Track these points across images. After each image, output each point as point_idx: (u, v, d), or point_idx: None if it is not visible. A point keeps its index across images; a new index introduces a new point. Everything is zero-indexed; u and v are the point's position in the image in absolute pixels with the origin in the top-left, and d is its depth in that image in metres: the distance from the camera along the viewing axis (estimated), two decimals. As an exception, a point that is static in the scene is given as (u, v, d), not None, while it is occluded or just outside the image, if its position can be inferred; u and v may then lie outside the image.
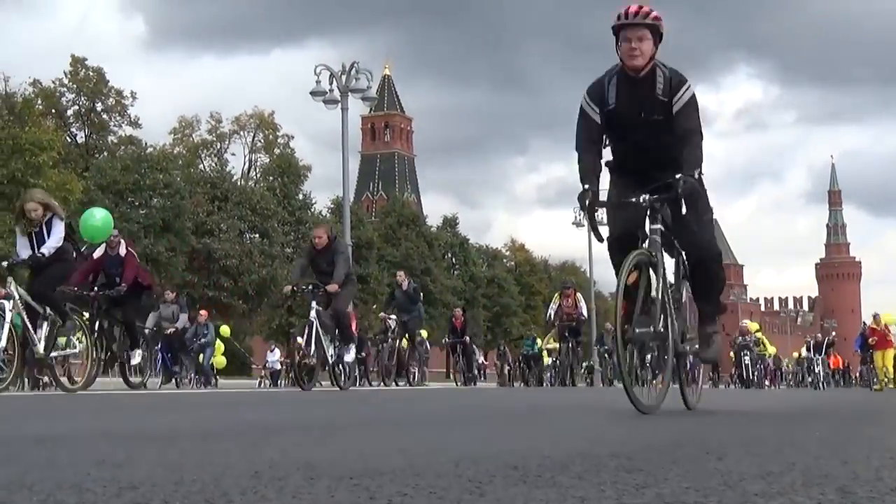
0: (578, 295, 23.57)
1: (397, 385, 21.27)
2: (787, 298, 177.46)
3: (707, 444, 3.97)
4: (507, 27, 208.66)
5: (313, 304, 13.43)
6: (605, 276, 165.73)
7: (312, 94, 29.53)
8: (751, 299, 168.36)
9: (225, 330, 31.80)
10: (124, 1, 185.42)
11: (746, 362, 32.55)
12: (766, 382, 37.08)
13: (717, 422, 6.10)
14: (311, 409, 7.94)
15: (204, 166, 66.73)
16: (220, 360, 28.32)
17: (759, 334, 35.79)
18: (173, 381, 20.09)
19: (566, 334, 23.33)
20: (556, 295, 24.07)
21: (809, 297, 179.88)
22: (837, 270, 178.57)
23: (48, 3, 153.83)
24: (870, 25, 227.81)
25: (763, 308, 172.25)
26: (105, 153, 56.88)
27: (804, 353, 41.73)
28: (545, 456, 3.11)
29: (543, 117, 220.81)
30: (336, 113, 29.64)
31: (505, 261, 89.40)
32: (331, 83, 29.31)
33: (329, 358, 13.70)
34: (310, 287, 13.61)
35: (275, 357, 39.86)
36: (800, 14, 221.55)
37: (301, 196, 65.52)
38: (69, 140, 55.70)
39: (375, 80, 33.90)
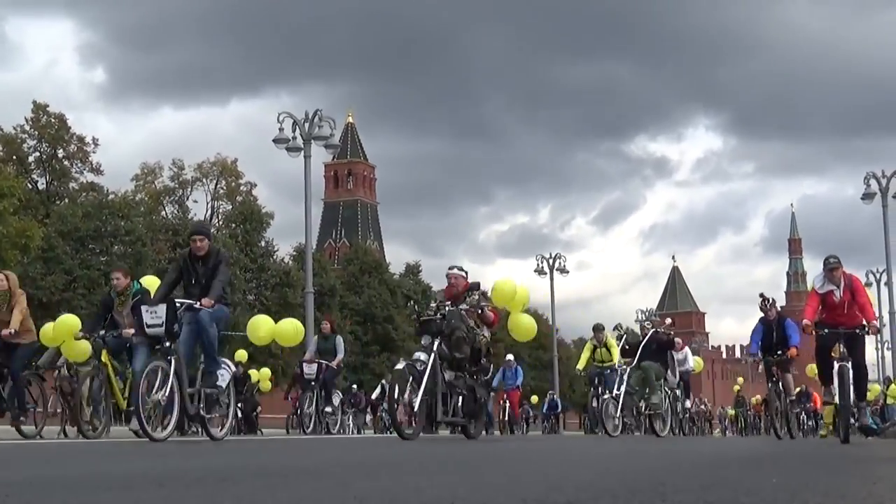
0: None
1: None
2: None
3: (663, 491, 3.99)
4: (467, 76, 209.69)
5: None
6: (568, 324, 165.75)
7: (275, 141, 29.53)
8: (712, 347, 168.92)
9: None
10: (85, 51, 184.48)
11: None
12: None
13: (675, 467, 6.12)
14: (271, 455, 7.89)
15: (166, 213, 66.34)
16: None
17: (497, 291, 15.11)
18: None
19: None
20: None
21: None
22: (798, 318, 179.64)
23: (12, 54, 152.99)
24: (825, 79, 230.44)
25: (724, 356, 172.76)
26: (66, 200, 56.49)
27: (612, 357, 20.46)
28: None
29: (506, 166, 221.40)
30: (298, 160, 29.64)
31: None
32: (293, 131, 29.34)
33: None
34: None
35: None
36: (754, 67, 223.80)
37: (263, 243, 65.25)
38: (30, 187, 55.25)
39: (338, 127, 33.97)
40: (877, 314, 13.54)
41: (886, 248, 37.80)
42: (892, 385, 33.91)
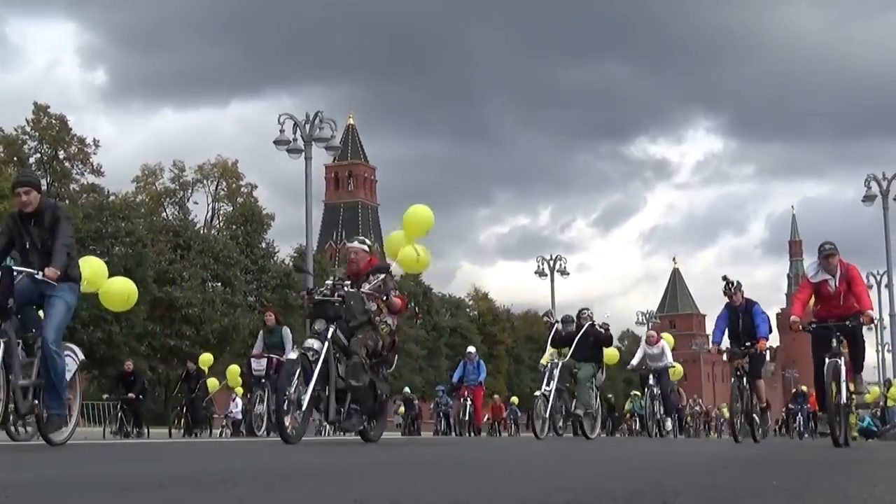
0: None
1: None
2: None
3: (664, 493, 3.98)
4: (467, 78, 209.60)
5: None
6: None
7: (276, 143, 29.57)
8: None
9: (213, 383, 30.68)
10: (85, 53, 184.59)
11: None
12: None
13: (675, 469, 6.11)
14: (270, 457, 7.88)
15: (167, 214, 66.40)
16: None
17: None
18: None
19: None
20: None
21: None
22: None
23: (13, 55, 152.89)
24: (825, 81, 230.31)
25: (725, 358, 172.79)
26: (67, 201, 56.49)
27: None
28: (500, 504, 3.10)
29: (506, 168, 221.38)
30: (299, 162, 29.68)
31: (468, 310, 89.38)
32: (294, 132, 29.37)
33: None
34: None
35: (238, 407, 39.56)
36: (754, 69, 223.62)
37: (264, 245, 65.34)
38: (31, 188, 55.32)
39: (339, 129, 33.97)
40: (876, 317, 11.99)
41: (887, 250, 37.78)
42: (893, 388, 33.85)
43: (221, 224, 68.79)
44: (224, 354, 58.54)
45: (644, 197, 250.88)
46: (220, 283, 60.04)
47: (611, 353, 25.88)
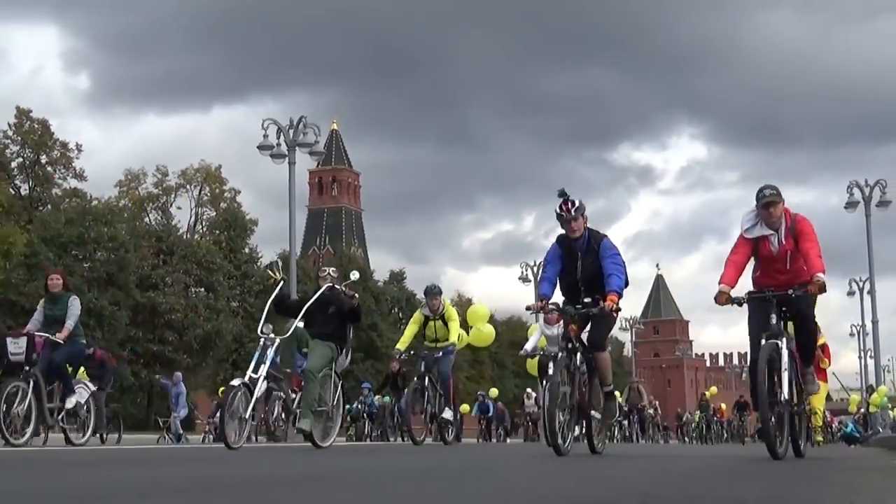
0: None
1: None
2: (731, 354, 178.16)
3: (649, 501, 3.98)
4: (452, 84, 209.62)
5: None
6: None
7: (260, 148, 29.53)
8: (696, 355, 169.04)
9: None
10: (69, 58, 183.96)
11: None
12: None
13: (658, 478, 6.12)
14: (256, 465, 7.87)
15: (149, 220, 66.29)
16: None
17: None
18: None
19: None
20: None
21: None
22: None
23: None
24: (809, 89, 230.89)
25: (708, 364, 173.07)
26: (49, 206, 56.34)
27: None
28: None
29: (491, 174, 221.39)
30: (283, 167, 29.65)
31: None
32: (278, 137, 29.35)
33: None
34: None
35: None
36: (738, 76, 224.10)
37: (247, 250, 65.28)
38: (13, 192, 55.10)
39: (323, 134, 33.98)
40: (824, 280, 8.37)
41: (870, 256, 37.91)
42: (875, 394, 33.93)
43: (204, 229, 68.63)
44: (207, 360, 58.57)
45: (628, 203, 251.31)
46: (203, 289, 59.94)
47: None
